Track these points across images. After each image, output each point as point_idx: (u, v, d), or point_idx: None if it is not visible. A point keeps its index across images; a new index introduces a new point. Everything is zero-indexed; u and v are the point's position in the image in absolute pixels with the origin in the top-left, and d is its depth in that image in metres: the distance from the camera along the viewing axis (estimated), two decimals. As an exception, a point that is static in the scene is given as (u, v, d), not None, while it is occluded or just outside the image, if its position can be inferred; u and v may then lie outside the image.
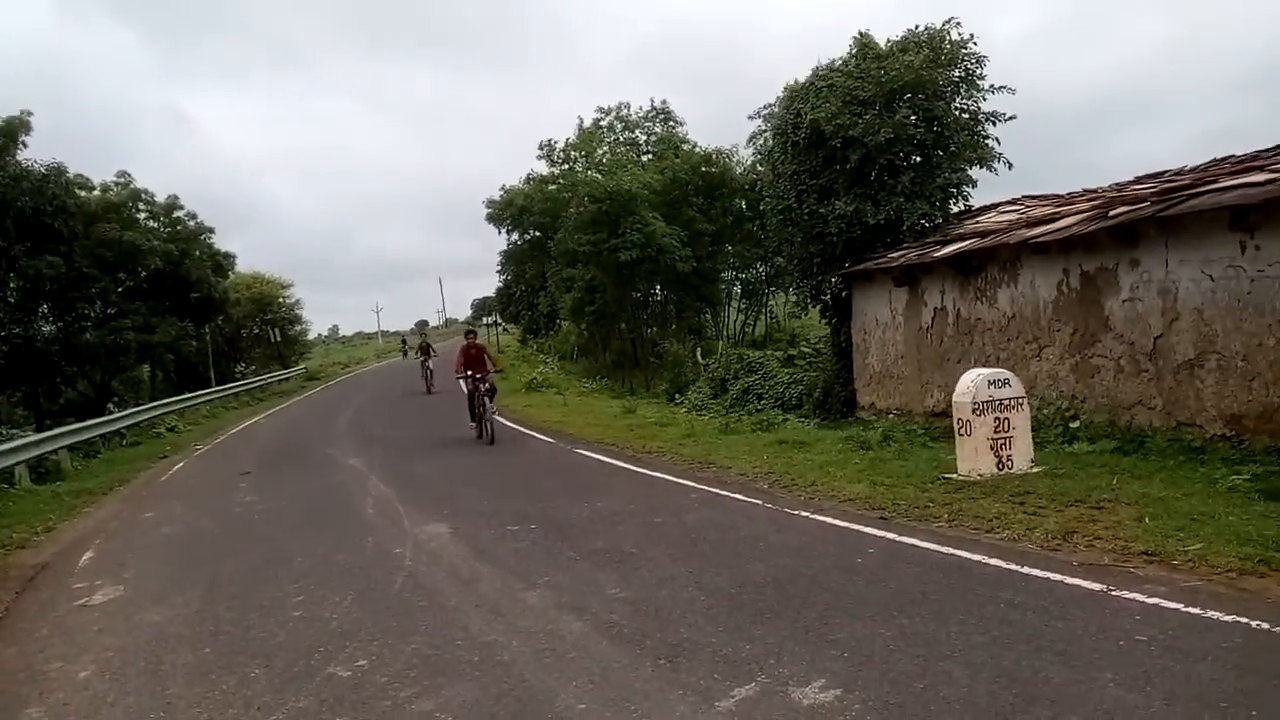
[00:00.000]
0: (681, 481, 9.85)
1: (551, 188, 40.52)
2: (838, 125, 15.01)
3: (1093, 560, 5.75)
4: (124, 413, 22.99)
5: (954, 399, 8.63)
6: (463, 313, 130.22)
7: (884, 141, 14.76)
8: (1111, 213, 10.39)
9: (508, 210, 41.36)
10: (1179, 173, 11.88)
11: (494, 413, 15.03)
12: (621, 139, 36.41)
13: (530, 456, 13.62)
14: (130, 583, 7.60)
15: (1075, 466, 8.40)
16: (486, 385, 14.72)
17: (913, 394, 14.31)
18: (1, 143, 23.08)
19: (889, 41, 15.93)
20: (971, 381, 8.53)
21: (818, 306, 17.06)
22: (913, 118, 14.93)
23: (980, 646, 4.49)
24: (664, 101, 38.72)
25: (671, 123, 36.09)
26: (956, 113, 15.59)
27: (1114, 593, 5.07)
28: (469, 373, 14.89)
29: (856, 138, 14.87)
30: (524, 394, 24.78)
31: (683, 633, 5.07)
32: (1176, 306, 9.51)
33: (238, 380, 35.85)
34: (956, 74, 15.33)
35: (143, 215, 30.54)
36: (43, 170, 24.08)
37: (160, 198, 31.16)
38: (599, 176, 28.63)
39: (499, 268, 48.64)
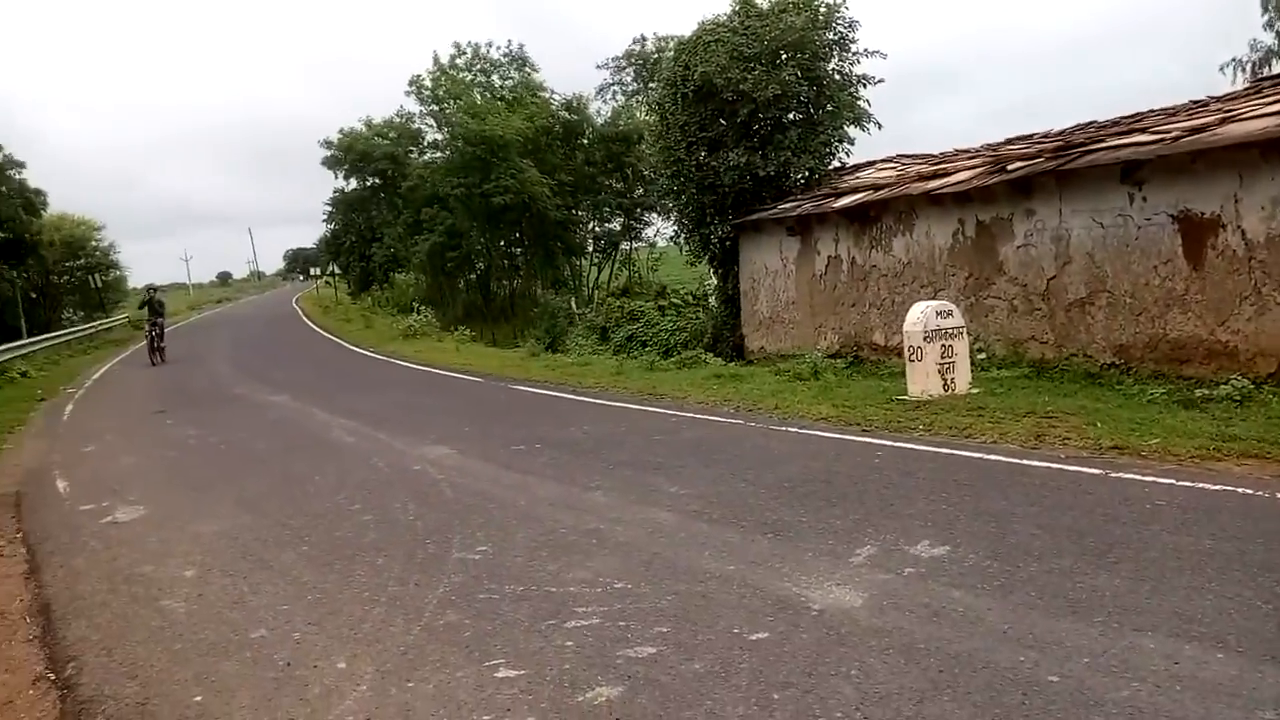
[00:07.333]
0: (650, 409, 10.27)
1: (390, 137, 39.20)
2: (728, 79, 15.78)
3: (1072, 454, 6.76)
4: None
5: (906, 328, 9.62)
6: (274, 265, 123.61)
7: (771, 97, 15.64)
8: (1010, 167, 11.68)
9: (348, 154, 39.74)
10: (1046, 136, 13.41)
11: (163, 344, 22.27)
12: (477, 81, 35.59)
13: (468, 393, 13.79)
14: (143, 504, 7.37)
15: (1005, 388, 9.58)
16: (157, 330, 22.22)
17: (805, 337, 15.38)
18: None
19: (770, 1, 16.83)
20: (921, 312, 9.54)
21: (706, 256, 17.90)
22: (797, 75, 15.89)
23: (1032, 516, 5.28)
24: (521, 46, 37.62)
25: (528, 68, 35.76)
26: (833, 74, 16.75)
27: (1112, 475, 6.06)
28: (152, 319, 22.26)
29: (746, 92, 15.67)
30: (404, 341, 24.46)
31: (770, 516, 5.62)
32: (1069, 251, 10.89)
33: (59, 329, 33.03)
34: (831, 36, 16.46)
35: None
36: None
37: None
38: (470, 120, 28.28)
39: (325, 216, 46.59)
